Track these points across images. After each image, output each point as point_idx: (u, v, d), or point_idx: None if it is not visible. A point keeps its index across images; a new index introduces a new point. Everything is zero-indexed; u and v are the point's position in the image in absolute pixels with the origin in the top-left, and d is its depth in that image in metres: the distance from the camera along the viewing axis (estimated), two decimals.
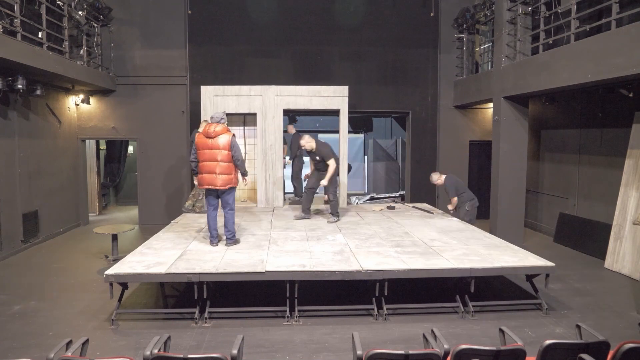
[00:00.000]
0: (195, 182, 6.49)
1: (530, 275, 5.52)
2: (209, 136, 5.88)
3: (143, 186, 10.37)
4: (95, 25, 9.47)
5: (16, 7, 6.72)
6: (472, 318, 5.16)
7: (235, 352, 2.89)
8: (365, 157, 15.72)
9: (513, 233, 8.13)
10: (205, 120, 7.98)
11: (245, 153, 9.47)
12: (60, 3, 8.12)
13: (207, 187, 5.96)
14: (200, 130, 6.69)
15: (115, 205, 12.94)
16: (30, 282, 6.40)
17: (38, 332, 4.80)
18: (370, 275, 5.11)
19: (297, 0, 10.19)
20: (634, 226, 6.70)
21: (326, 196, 8.16)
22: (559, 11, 6.98)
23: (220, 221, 6.27)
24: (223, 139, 5.87)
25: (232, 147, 5.90)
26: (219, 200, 6.11)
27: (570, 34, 6.58)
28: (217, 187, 5.91)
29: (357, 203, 9.30)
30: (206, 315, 5.03)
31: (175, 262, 5.29)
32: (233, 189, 6.07)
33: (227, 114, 9.21)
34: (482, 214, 10.40)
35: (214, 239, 6.10)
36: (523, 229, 8.65)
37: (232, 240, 6.12)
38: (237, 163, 5.96)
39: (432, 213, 8.39)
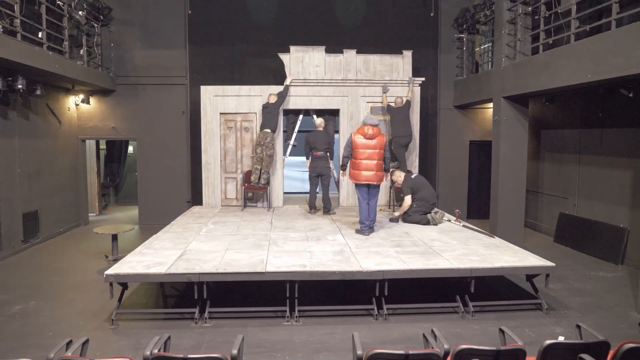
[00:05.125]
0: (343, 177, 7.34)
1: (530, 275, 5.52)
2: (367, 137, 6.56)
3: (143, 186, 10.36)
4: (95, 25, 9.47)
5: (16, 7, 6.72)
6: (472, 318, 5.16)
7: (235, 352, 2.89)
8: None
9: (513, 233, 8.12)
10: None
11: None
12: (60, 3, 8.12)
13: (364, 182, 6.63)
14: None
15: (115, 205, 12.94)
16: (30, 282, 6.40)
17: (38, 332, 4.80)
18: (370, 275, 5.11)
19: (297, 1, 10.19)
20: None
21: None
22: (559, 11, 6.97)
23: None
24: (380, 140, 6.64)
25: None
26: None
27: (570, 34, 6.58)
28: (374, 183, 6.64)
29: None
30: (206, 315, 5.03)
31: (175, 262, 5.29)
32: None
33: (227, 114, 9.30)
34: (482, 214, 10.44)
35: (369, 228, 6.76)
36: (523, 229, 8.64)
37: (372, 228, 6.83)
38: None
39: (493, 237, 6.72)
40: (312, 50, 9.29)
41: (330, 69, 9.35)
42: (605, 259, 7.46)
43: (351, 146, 6.65)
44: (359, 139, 6.59)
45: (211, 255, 5.59)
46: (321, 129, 8.70)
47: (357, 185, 6.71)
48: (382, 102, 9.19)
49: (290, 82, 9.14)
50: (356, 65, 9.37)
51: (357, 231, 6.87)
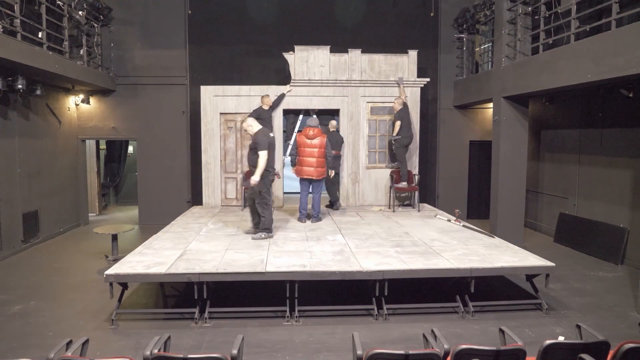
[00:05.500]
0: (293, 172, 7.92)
1: (530, 275, 5.52)
2: (308, 137, 7.43)
3: (143, 186, 10.36)
4: (95, 25, 9.47)
5: (16, 7, 6.72)
6: (472, 318, 5.16)
7: (235, 352, 2.89)
8: None
9: (513, 233, 8.12)
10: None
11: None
12: (60, 3, 8.12)
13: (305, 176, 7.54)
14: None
15: (115, 205, 12.94)
16: (30, 282, 6.40)
17: (38, 332, 4.80)
18: (370, 275, 5.11)
19: (297, 1, 10.19)
20: None
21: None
22: (559, 11, 6.97)
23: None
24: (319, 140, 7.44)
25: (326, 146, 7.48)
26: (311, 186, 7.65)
27: (570, 34, 6.58)
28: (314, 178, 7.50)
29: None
30: (206, 315, 5.03)
31: (175, 262, 5.29)
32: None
33: (227, 114, 9.30)
34: (482, 214, 10.44)
35: (304, 216, 7.70)
36: (523, 229, 8.64)
37: (318, 218, 7.70)
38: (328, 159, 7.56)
39: (493, 237, 6.74)
40: (316, 50, 9.25)
41: (335, 68, 9.32)
42: (605, 259, 7.46)
43: (295, 145, 7.66)
44: (302, 139, 7.51)
45: (211, 255, 5.59)
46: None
47: (300, 179, 7.62)
48: (400, 97, 9.12)
49: (287, 92, 9.18)
50: (361, 65, 9.33)
51: (298, 219, 7.75)
